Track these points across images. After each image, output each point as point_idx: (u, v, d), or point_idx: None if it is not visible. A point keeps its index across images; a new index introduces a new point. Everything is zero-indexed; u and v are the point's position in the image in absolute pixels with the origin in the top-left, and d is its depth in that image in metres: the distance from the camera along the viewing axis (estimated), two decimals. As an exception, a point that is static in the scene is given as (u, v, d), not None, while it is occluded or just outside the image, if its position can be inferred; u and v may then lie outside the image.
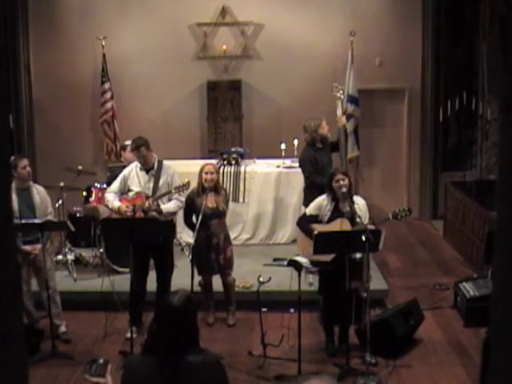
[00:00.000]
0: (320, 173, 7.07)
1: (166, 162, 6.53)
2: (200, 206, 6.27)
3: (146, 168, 6.40)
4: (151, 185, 6.37)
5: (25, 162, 6.13)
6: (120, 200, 6.40)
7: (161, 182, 6.38)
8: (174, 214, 6.59)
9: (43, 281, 6.07)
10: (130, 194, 6.41)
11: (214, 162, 6.88)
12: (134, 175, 6.42)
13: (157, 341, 2.91)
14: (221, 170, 8.29)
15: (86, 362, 2.80)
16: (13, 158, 6.24)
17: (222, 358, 3.07)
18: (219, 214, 6.45)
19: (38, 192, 6.24)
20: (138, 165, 6.43)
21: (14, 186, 6.07)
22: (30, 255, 6.08)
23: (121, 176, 6.53)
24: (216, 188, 6.44)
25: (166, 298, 3.05)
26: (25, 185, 6.17)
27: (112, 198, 6.43)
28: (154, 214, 6.29)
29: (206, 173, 6.40)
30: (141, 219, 6.23)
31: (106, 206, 6.68)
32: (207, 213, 6.34)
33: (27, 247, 6.08)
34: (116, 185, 6.51)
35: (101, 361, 2.76)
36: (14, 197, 6.03)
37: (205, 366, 2.92)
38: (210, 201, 6.39)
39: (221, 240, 6.46)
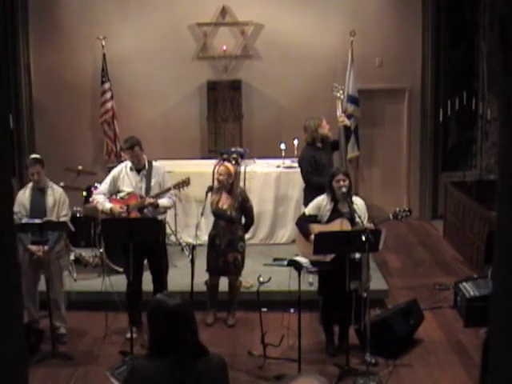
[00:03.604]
0: (319, 172, 7.07)
1: (155, 163, 6.54)
2: (209, 202, 6.43)
3: (138, 168, 6.38)
4: (143, 185, 6.34)
5: (36, 169, 6.13)
6: (110, 201, 6.36)
7: (153, 182, 6.36)
8: (169, 208, 6.61)
9: (48, 282, 6.06)
10: (122, 194, 6.38)
11: (228, 165, 6.80)
12: (123, 176, 6.38)
13: (160, 343, 2.88)
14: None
15: (120, 359, 2.77)
16: (32, 157, 6.29)
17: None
18: (225, 218, 6.44)
19: (54, 193, 6.21)
20: (128, 165, 6.40)
21: (30, 185, 6.21)
22: (34, 255, 6.08)
23: (109, 177, 6.46)
24: (231, 191, 6.45)
25: (159, 300, 2.95)
26: (40, 185, 6.18)
27: (102, 200, 6.36)
28: (146, 211, 6.28)
29: (217, 173, 6.46)
30: (140, 219, 6.23)
31: (94, 208, 6.65)
32: (215, 211, 6.44)
33: (33, 247, 6.08)
34: (105, 186, 6.43)
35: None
36: (28, 196, 6.14)
37: (213, 366, 2.90)
38: (222, 201, 6.43)
39: (223, 243, 6.44)
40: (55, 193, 6.22)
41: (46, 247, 6.05)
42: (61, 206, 6.21)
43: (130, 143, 6.34)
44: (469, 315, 6.49)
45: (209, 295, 6.64)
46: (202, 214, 6.44)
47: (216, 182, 6.44)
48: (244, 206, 6.52)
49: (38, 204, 6.14)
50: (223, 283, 6.66)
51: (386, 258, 8.52)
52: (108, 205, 6.32)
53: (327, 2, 10.24)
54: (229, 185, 6.43)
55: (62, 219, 6.15)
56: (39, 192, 6.18)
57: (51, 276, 6.13)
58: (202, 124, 10.42)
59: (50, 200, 6.17)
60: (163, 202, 6.34)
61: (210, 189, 6.52)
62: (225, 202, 6.43)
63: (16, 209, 6.01)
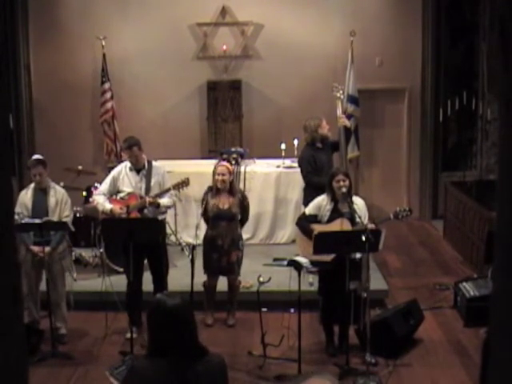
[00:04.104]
0: (319, 172, 7.09)
1: (155, 163, 6.54)
2: (209, 205, 6.37)
3: (137, 168, 6.37)
4: (143, 185, 6.34)
5: (38, 170, 6.11)
6: (110, 202, 6.35)
7: (152, 181, 6.36)
8: (169, 208, 6.61)
9: (49, 282, 6.05)
10: (122, 194, 6.37)
11: (226, 163, 6.84)
12: (123, 176, 6.37)
13: (159, 344, 2.88)
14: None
15: (120, 359, 2.79)
16: (34, 157, 6.28)
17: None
18: (228, 216, 6.42)
19: (56, 194, 6.20)
20: (128, 165, 6.40)
21: (32, 185, 6.20)
22: (36, 256, 6.08)
23: (109, 177, 6.46)
24: (231, 189, 6.45)
25: (158, 301, 2.95)
26: (42, 186, 6.17)
27: (102, 200, 6.35)
28: (146, 211, 6.28)
29: (219, 174, 6.41)
30: (141, 219, 6.22)
31: (94, 208, 6.65)
32: (216, 213, 6.38)
33: (35, 248, 6.07)
34: (105, 186, 6.43)
35: None
36: (30, 196, 6.14)
37: (213, 367, 2.89)
38: (222, 202, 6.41)
39: (226, 243, 6.42)
40: (57, 193, 6.21)
41: (48, 248, 6.04)
42: (63, 207, 6.20)
43: (128, 143, 6.35)
44: (469, 315, 6.49)
45: (207, 296, 6.62)
46: (201, 214, 6.44)
47: (219, 184, 6.40)
48: (242, 204, 6.54)
49: (40, 205, 6.13)
50: (222, 283, 6.65)
51: (386, 257, 8.52)
52: (108, 206, 6.31)
53: (327, 1, 10.24)
54: (229, 184, 6.44)
55: (65, 220, 6.13)
56: (41, 192, 6.17)
57: (53, 277, 6.13)
58: (202, 124, 10.41)
59: (52, 201, 6.16)
60: (164, 201, 6.34)
61: (210, 189, 6.51)
62: (226, 202, 6.42)
63: (18, 209, 6.01)
